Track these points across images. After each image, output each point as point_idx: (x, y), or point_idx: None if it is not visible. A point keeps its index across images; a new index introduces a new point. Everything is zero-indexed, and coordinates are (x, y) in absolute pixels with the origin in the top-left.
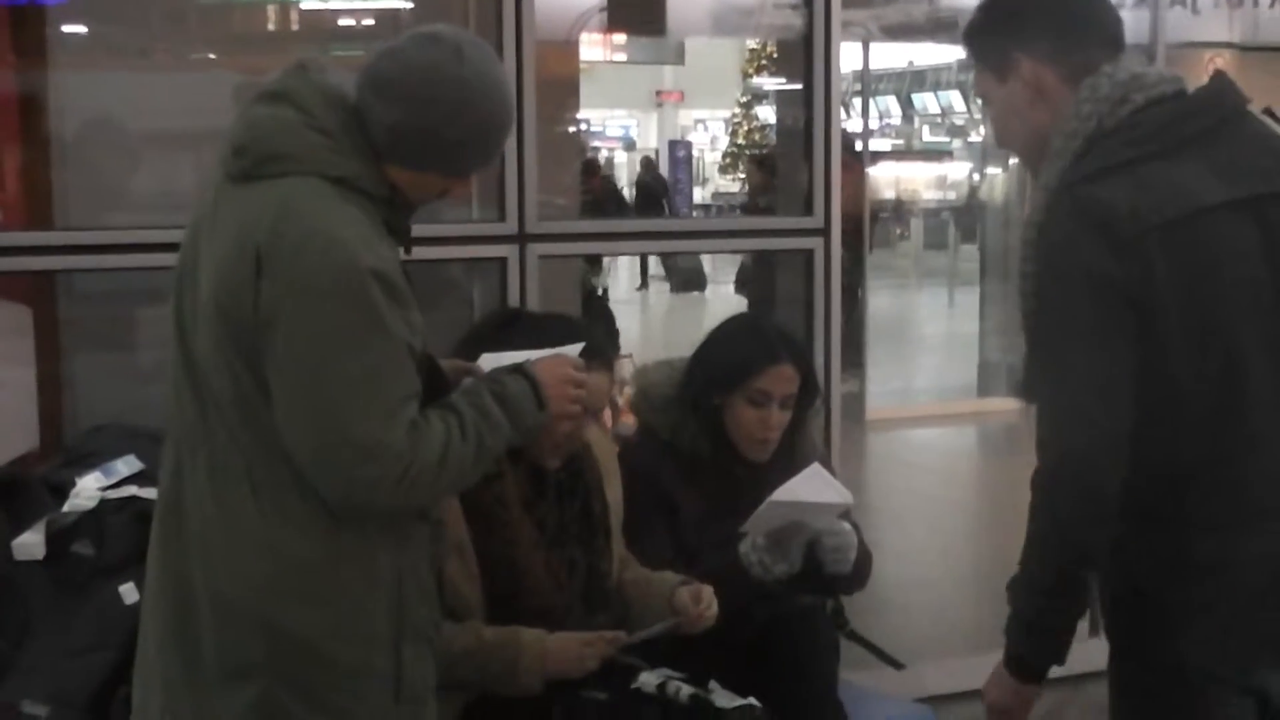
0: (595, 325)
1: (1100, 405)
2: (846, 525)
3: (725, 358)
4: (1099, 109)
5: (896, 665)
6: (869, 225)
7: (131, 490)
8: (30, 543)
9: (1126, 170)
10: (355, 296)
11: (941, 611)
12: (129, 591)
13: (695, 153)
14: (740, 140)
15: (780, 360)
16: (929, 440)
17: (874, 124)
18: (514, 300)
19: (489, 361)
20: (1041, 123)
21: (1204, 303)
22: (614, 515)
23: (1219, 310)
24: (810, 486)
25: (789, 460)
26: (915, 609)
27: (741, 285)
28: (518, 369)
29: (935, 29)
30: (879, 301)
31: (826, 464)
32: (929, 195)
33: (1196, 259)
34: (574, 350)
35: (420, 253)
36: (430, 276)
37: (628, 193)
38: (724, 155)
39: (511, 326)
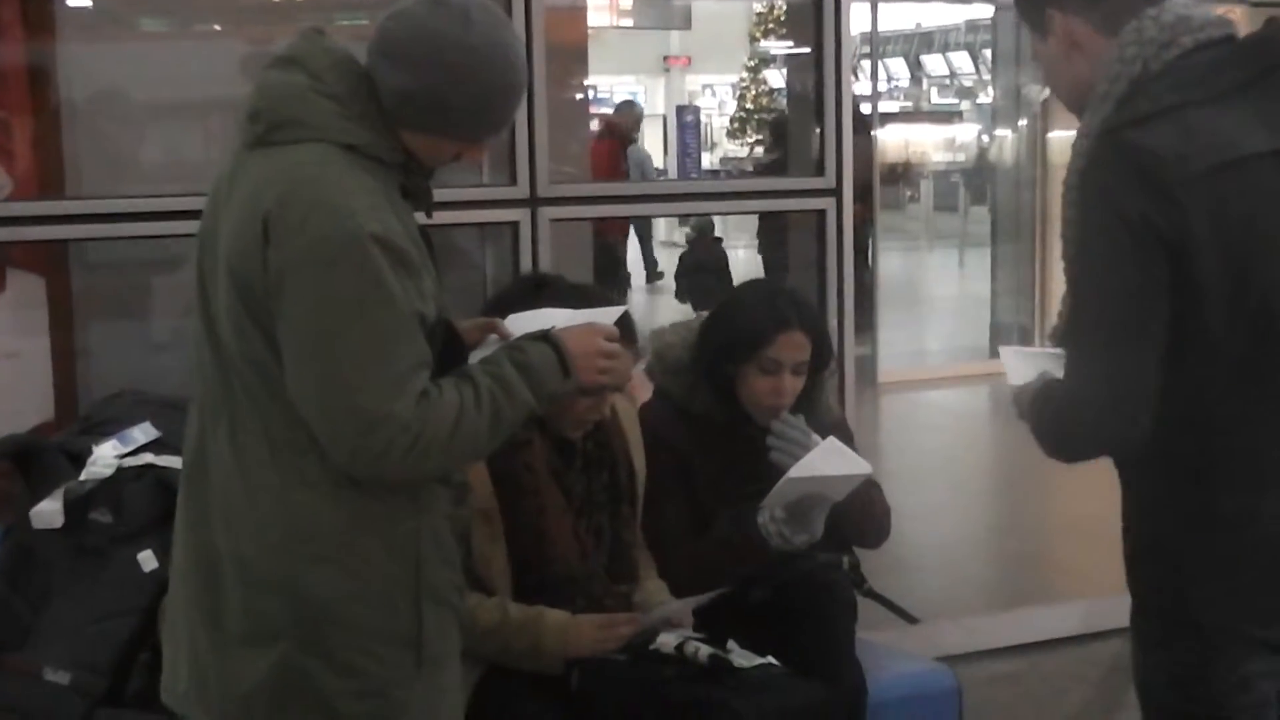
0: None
1: (1131, 355)
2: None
3: (736, 327)
4: (1144, 52)
5: (911, 619)
6: (878, 188)
7: (148, 458)
8: (49, 511)
9: (1171, 115)
10: (358, 264)
11: (957, 571)
12: (147, 559)
13: (703, 118)
14: (748, 105)
15: (791, 327)
16: (942, 402)
17: (882, 86)
18: (526, 267)
19: (518, 322)
20: (1081, 74)
21: (1242, 253)
22: (639, 483)
23: (1257, 261)
24: (828, 460)
25: (807, 424)
26: (931, 569)
27: (681, 276)
28: (544, 335)
29: None
30: (890, 264)
31: (843, 426)
32: (938, 157)
33: (1238, 209)
34: (608, 317)
35: (439, 219)
36: (440, 243)
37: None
38: (732, 120)
39: (539, 293)
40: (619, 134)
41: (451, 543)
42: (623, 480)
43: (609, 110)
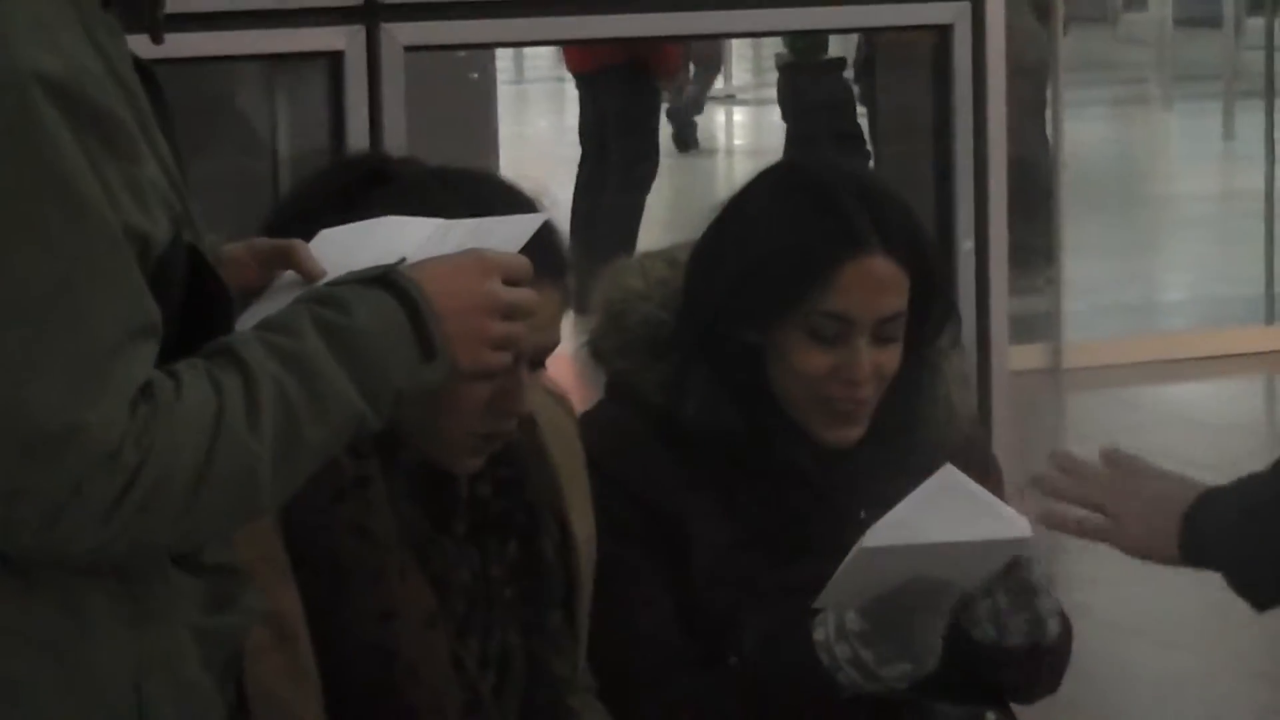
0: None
1: None
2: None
3: (759, 255)
4: None
5: None
6: None
7: None
8: None
9: None
10: (11, 135)
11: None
12: None
13: None
14: None
15: (869, 249)
16: (1185, 403)
17: None
18: (357, 139)
19: (335, 247)
20: None
21: None
22: (584, 561)
23: None
24: (945, 509)
25: (901, 444)
26: (1157, 714)
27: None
28: (384, 275)
29: None
30: (1087, 135)
31: (979, 449)
32: None
33: None
34: (511, 233)
35: (176, 48)
36: (190, 92)
37: None
38: None
39: (378, 185)
40: None
41: (207, 685)
42: (550, 560)
43: None
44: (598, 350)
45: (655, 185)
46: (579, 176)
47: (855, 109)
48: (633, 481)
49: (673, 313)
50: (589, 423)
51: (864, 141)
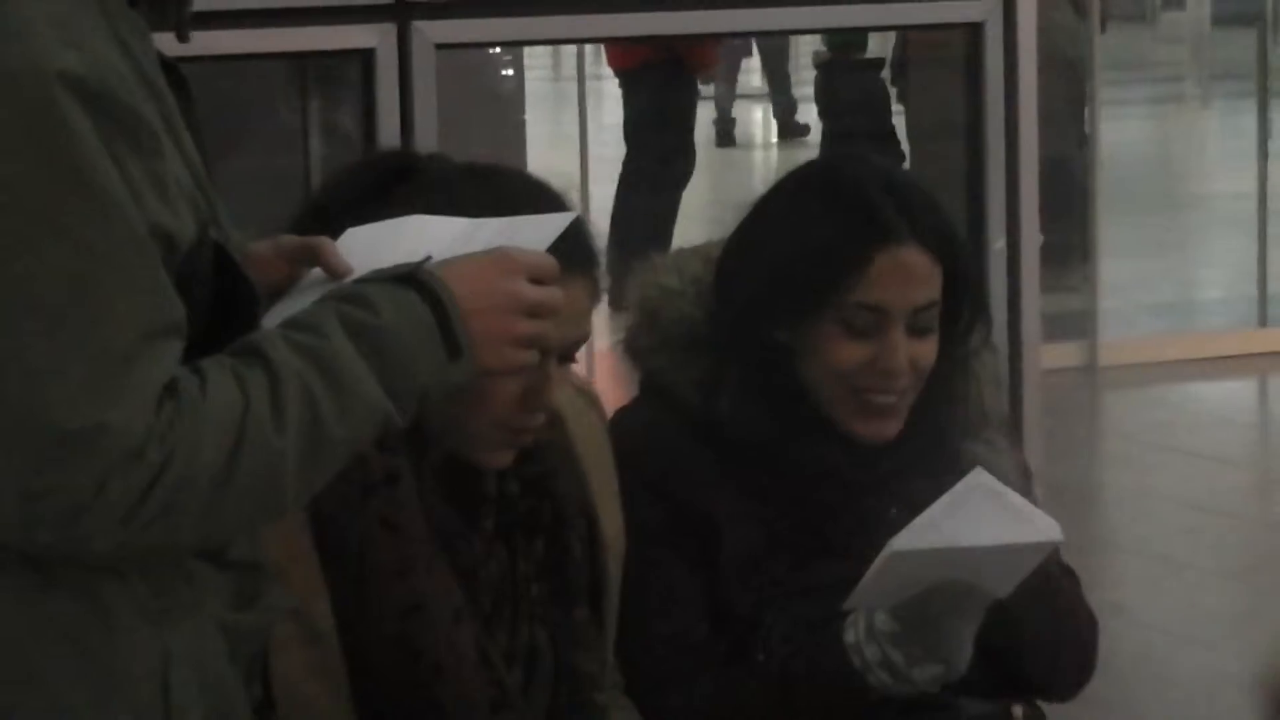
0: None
1: None
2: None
3: (789, 252)
4: None
5: None
6: None
7: None
8: None
9: None
10: (36, 132)
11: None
12: None
13: None
14: None
15: (900, 239)
16: (1226, 403)
17: None
18: (389, 135)
19: (362, 245)
20: None
21: None
22: (612, 558)
23: None
24: (975, 513)
25: (934, 442)
26: (1191, 715)
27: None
28: (410, 274)
29: None
30: (1124, 134)
31: (1011, 459)
32: None
33: None
34: (540, 232)
35: (200, 46)
36: (218, 91)
37: None
38: None
39: (406, 182)
40: None
41: (235, 677)
42: (577, 557)
43: None
44: (633, 348)
45: (695, 181)
46: (622, 173)
47: (890, 108)
48: (665, 479)
49: (707, 310)
50: (622, 420)
51: (898, 141)
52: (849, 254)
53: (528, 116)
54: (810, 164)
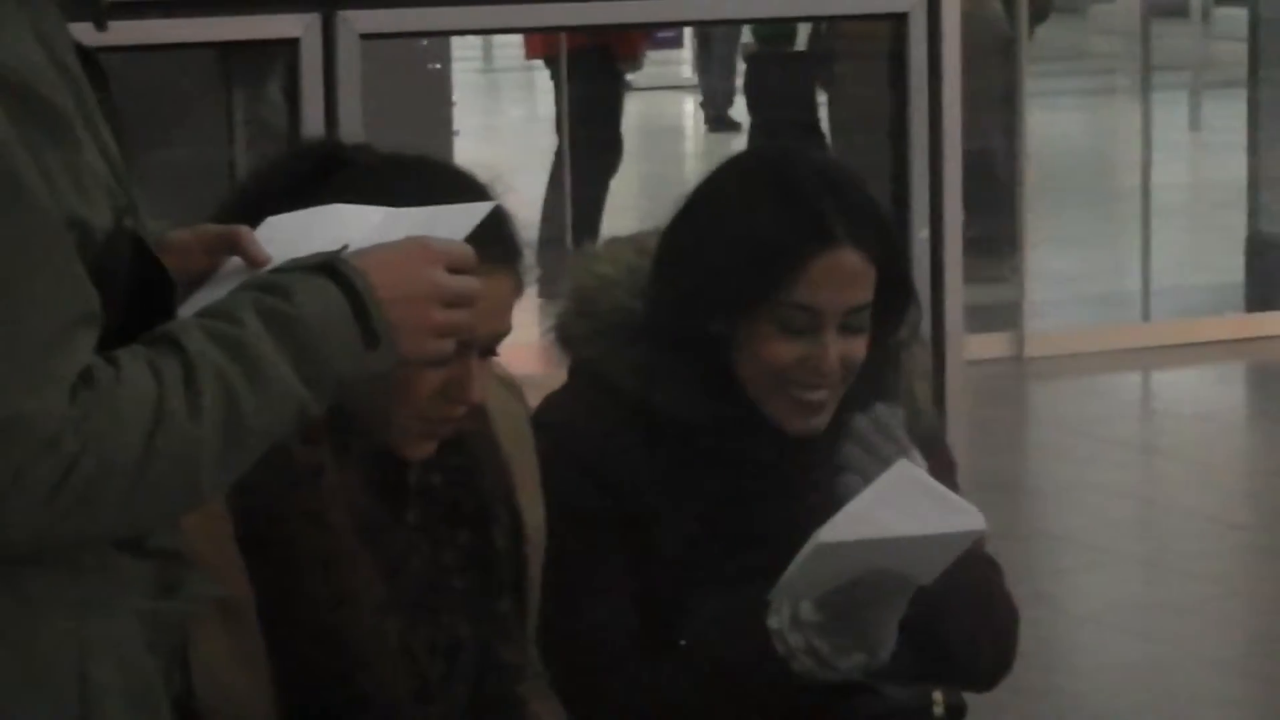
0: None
1: None
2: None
3: (729, 249)
4: None
5: None
6: None
7: None
8: None
9: None
10: None
11: (1174, 711)
12: None
13: None
14: None
15: (837, 243)
16: (1151, 392)
17: None
18: (313, 125)
19: (280, 234)
20: None
21: None
22: (533, 550)
23: None
24: (901, 503)
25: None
26: (1119, 703)
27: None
28: (329, 263)
29: None
30: (1053, 125)
31: (937, 443)
32: None
33: None
34: (459, 220)
35: (123, 35)
36: (136, 82)
37: None
38: None
39: (334, 173)
40: None
41: (152, 670)
42: (501, 549)
43: None
44: (566, 335)
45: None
46: (553, 165)
47: (815, 100)
48: (597, 465)
49: (642, 300)
50: (553, 407)
51: (822, 134)
52: (788, 256)
53: (456, 108)
54: (747, 156)
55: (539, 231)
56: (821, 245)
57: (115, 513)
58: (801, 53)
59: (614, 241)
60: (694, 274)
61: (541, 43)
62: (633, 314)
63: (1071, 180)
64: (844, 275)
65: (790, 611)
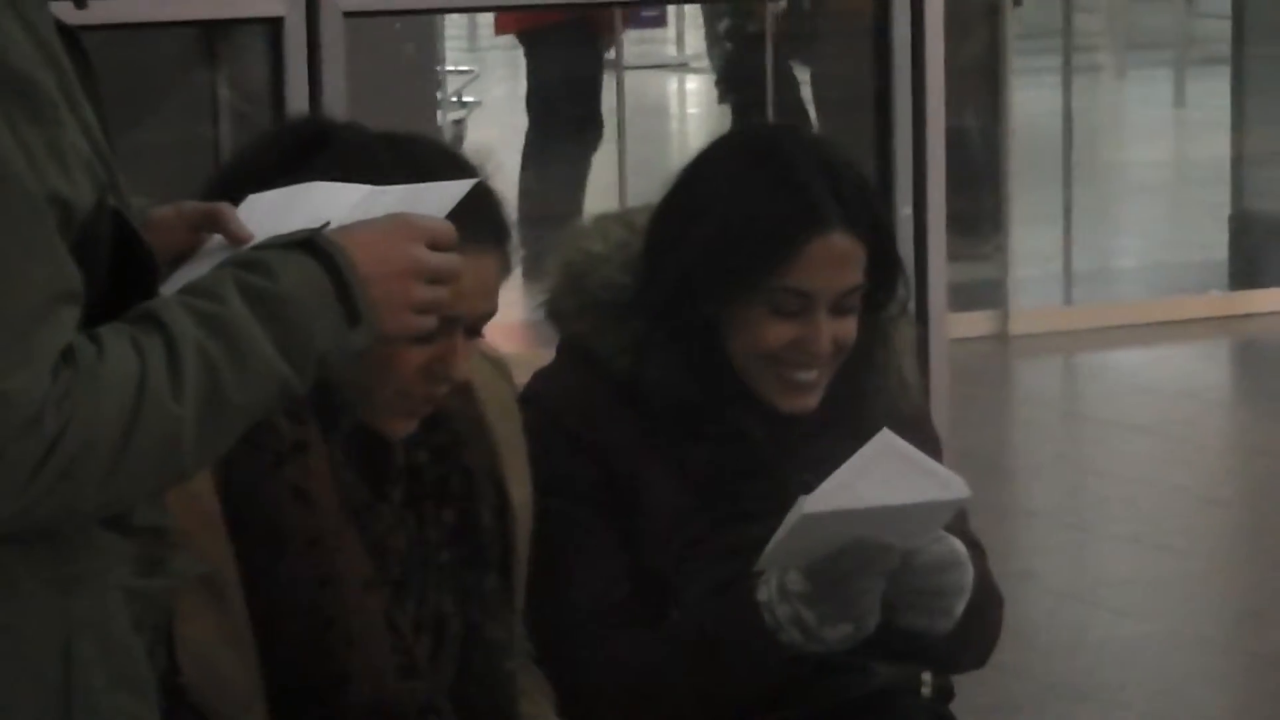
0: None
1: None
2: (957, 545)
3: (722, 233)
4: None
5: None
6: None
7: None
8: None
9: None
10: None
11: (1162, 701)
12: None
13: None
14: None
15: (828, 227)
16: (1137, 370)
17: None
18: (298, 104)
19: (262, 211)
20: None
21: None
22: (519, 528)
23: None
24: (884, 473)
25: (852, 413)
26: (1105, 695)
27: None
28: (310, 240)
29: None
30: (1038, 103)
31: (921, 420)
32: None
33: None
34: (439, 198)
35: (115, 13)
36: (120, 60)
37: None
38: None
39: (322, 150)
40: None
41: (137, 647)
42: (487, 526)
43: None
44: (556, 311)
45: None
46: (525, 144)
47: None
48: (588, 439)
49: (632, 276)
50: (543, 382)
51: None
52: (781, 241)
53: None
54: (741, 135)
55: (517, 210)
56: (814, 230)
57: (98, 491)
58: (760, 33)
59: (603, 217)
60: (687, 258)
61: (513, 18)
62: (623, 290)
63: (1056, 158)
64: (836, 259)
65: (778, 582)
